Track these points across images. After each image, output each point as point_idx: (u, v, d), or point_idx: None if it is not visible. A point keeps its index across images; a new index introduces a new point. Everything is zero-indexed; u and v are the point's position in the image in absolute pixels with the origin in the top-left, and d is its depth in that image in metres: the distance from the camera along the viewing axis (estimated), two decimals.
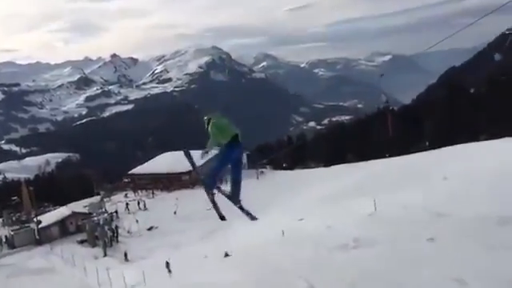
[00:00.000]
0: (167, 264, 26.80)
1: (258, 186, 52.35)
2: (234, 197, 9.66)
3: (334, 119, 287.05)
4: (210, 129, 8.69)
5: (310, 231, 27.88)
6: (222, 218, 9.50)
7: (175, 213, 46.61)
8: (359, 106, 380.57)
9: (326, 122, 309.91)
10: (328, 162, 77.27)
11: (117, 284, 26.99)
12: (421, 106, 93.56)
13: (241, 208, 9.43)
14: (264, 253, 26.18)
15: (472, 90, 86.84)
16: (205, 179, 9.65)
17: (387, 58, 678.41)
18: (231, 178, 9.63)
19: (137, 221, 43.57)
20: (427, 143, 63.41)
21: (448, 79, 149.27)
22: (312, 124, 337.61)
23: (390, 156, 60.25)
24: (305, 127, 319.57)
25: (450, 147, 47.73)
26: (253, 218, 9.76)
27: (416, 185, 29.71)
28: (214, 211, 10.27)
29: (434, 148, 53.78)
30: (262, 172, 64.02)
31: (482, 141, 52.34)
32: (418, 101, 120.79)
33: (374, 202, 28.28)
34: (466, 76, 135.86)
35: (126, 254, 35.00)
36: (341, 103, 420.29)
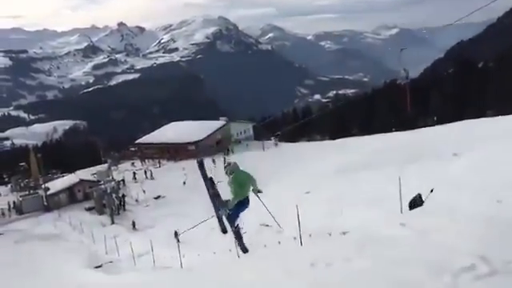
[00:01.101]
0: (176, 234, 26.96)
1: (264, 158, 52.42)
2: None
3: (339, 92, 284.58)
4: (231, 182, 9.48)
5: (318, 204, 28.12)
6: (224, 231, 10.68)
7: (184, 183, 46.77)
8: (365, 79, 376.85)
9: (331, 94, 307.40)
10: (333, 136, 77.14)
11: (124, 252, 27.29)
12: (428, 80, 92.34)
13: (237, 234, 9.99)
14: (271, 223, 26.47)
15: (480, 65, 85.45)
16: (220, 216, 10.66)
17: (394, 31, 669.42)
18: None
19: (144, 191, 43.79)
20: (435, 118, 62.70)
21: (456, 54, 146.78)
22: (317, 97, 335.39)
23: (397, 131, 59.81)
24: (310, 100, 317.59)
25: (458, 123, 47.27)
26: (244, 250, 10.31)
27: (425, 161, 29.57)
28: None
29: (441, 123, 53.20)
30: (277, 144, 63.58)
31: (489, 116, 51.88)
32: (425, 75, 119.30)
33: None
34: (475, 51, 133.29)
35: (133, 223, 35.34)
36: (346, 76, 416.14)
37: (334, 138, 69.65)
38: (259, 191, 9.11)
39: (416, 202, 13.93)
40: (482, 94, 70.32)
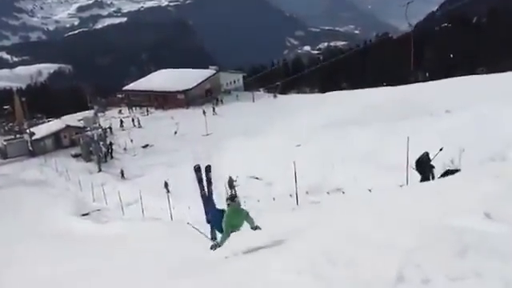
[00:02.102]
0: (166, 184, 26.72)
1: (254, 109, 51.87)
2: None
3: (330, 44, 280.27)
4: (225, 219, 8.37)
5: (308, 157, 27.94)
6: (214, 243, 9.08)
7: (175, 133, 46.17)
8: (356, 31, 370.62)
9: (321, 46, 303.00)
10: (322, 89, 76.27)
11: (112, 200, 27.08)
12: (420, 34, 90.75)
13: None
14: (261, 175, 26.34)
15: (474, 20, 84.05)
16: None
17: None
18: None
19: (131, 140, 43.13)
20: (427, 74, 62.11)
21: (449, 7, 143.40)
22: (307, 48, 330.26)
23: (388, 85, 59.27)
24: (299, 51, 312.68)
25: (450, 79, 46.87)
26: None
27: (418, 117, 29.32)
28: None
29: (433, 79, 52.74)
30: (276, 96, 62.25)
31: (479, 73, 51.51)
32: (417, 29, 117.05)
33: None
34: (469, 5, 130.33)
35: (122, 172, 34.82)
36: (337, 28, 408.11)
37: (323, 91, 68.88)
38: (257, 227, 8.47)
39: (423, 161, 13.46)
40: (474, 50, 69.58)
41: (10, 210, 26.95)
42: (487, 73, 49.59)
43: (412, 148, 21.74)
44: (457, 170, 13.32)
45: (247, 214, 8.58)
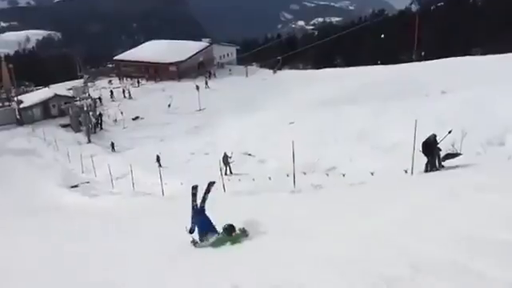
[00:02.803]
0: (158, 158, 26.30)
1: (247, 84, 51.27)
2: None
3: (326, 19, 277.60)
4: (215, 239, 8.52)
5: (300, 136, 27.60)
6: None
7: (169, 106, 45.44)
8: (350, 7, 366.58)
9: (315, 22, 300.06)
10: (316, 65, 75.45)
11: (101, 173, 26.65)
12: (415, 13, 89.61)
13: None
14: (253, 152, 25.99)
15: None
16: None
17: None
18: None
19: (121, 112, 42.37)
20: (422, 53, 61.60)
21: None
22: (301, 23, 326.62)
23: (383, 64, 58.73)
24: (293, 26, 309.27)
25: (446, 59, 46.43)
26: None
27: (413, 98, 29.03)
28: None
29: (427, 59, 52.29)
30: (276, 72, 60.73)
31: (474, 54, 51.16)
32: (414, 8, 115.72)
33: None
34: None
35: (112, 144, 34.12)
36: (332, 4, 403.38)
37: (317, 68, 68.16)
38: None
39: (431, 143, 13.10)
40: (470, 30, 69.05)
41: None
42: (482, 54, 49.24)
43: (408, 129, 21.74)
44: (458, 154, 13.10)
45: (236, 239, 8.42)
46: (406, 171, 11.84)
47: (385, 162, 16.03)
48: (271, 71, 60.84)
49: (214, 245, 8.51)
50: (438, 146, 13.27)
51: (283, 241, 6.36)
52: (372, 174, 11.42)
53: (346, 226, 6.39)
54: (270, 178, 14.17)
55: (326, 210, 7.78)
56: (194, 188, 9.80)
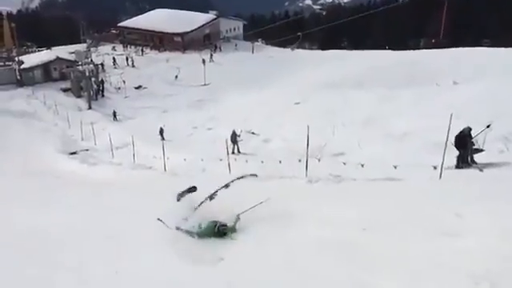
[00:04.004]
0: (161, 130, 25.70)
1: (253, 61, 50.47)
2: None
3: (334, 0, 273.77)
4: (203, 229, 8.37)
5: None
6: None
7: (176, 77, 44.62)
8: None
9: (322, 1, 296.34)
10: (323, 46, 74.30)
11: (101, 141, 26.09)
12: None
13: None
14: (257, 131, 25.43)
15: None
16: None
17: None
18: None
19: (124, 81, 41.60)
20: (433, 41, 60.65)
21: None
22: (308, 2, 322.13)
23: (390, 49, 57.83)
24: (300, 4, 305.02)
25: (457, 49, 45.59)
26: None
27: (423, 86, 28.46)
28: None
29: (439, 47, 51.34)
30: (293, 49, 59.23)
31: (483, 46, 50.26)
32: None
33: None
34: None
35: (114, 113, 33.34)
36: None
37: (323, 48, 67.12)
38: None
39: (465, 137, 12.45)
40: (481, 21, 67.92)
41: None
42: (491, 45, 48.35)
43: (419, 118, 21.27)
44: (480, 150, 12.60)
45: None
46: (435, 167, 10.89)
47: (397, 151, 15.57)
48: (289, 48, 59.86)
49: (200, 234, 8.39)
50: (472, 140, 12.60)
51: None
52: (395, 167, 10.76)
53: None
54: (280, 162, 13.61)
55: (363, 216, 7.03)
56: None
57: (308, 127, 12.00)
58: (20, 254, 7.16)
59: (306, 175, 11.48)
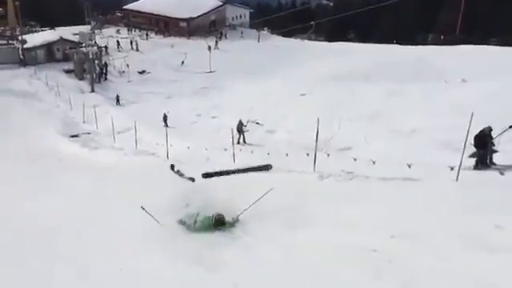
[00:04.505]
0: (165, 117, 25.30)
1: (258, 50, 49.99)
2: None
3: None
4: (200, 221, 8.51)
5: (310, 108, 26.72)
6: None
7: (182, 63, 44.11)
8: None
9: None
10: (329, 37, 73.53)
11: (103, 125, 25.78)
12: None
13: None
14: (262, 121, 25.09)
15: None
16: None
17: None
18: None
19: (127, 65, 41.11)
20: (442, 37, 59.94)
21: None
22: None
23: (398, 44, 57.17)
24: None
25: (466, 46, 45.08)
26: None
27: (431, 82, 28.07)
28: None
29: (448, 44, 50.72)
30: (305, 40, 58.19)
31: (491, 44, 49.61)
32: None
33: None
34: None
35: (118, 98, 32.87)
36: None
37: (329, 40, 66.41)
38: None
39: (485, 136, 12.02)
40: (489, 20, 67.04)
41: None
42: (498, 45, 47.75)
43: (427, 114, 20.91)
44: (495, 151, 12.25)
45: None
46: (452, 168, 10.39)
47: (405, 148, 15.22)
48: (300, 38, 59.02)
49: (200, 230, 8.39)
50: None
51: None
52: (409, 166, 10.30)
53: None
54: (287, 155, 13.25)
55: (385, 219, 6.59)
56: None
57: (318, 120, 11.57)
58: (19, 243, 6.90)
59: (315, 170, 11.11)
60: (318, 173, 10.52)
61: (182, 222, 8.68)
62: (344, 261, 5.55)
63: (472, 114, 9.92)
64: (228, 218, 8.41)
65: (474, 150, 11.81)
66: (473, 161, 12.47)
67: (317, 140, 11.83)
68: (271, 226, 6.78)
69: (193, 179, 12.01)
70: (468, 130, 10.40)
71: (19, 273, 6.10)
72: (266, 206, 7.09)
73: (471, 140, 11.87)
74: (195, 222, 8.62)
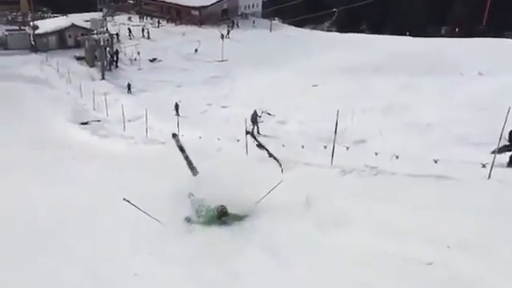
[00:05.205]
0: (176, 105, 25.01)
1: (270, 39, 49.49)
2: None
3: None
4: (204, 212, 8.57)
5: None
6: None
7: (196, 51, 43.79)
8: None
9: None
10: (341, 28, 72.77)
11: (113, 113, 25.62)
12: None
13: None
14: (273, 112, 24.75)
15: None
16: None
17: None
18: None
19: (138, 52, 40.89)
20: (456, 29, 58.96)
21: None
22: None
23: (411, 35, 56.33)
24: None
25: (481, 39, 44.24)
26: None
27: (446, 75, 27.57)
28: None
29: (463, 36, 49.81)
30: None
31: (507, 38, 48.58)
32: None
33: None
34: None
35: (129, 86, 32.44)
36: None
37: (341, 31, 65.64)
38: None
39: None
40: (505, 13, 65.79)
41: (10, 106, 25.61)
42: None
43: (443, 108, 20.50)
44: None
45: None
46: (483, 165, 9.58)
47: (422, 142, 14.84)
48: (320, 26, 58.04)
49: (205, 223, 8.32)
50: None
51: None
52: (436, 161, 9.71)
53: None
54: (302, 147, 12.88)
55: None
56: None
57: (338, 111, 11.20)
58: (25, 235, 6.72)
59: (332, 163, 10.77)
60: (340, 167, 10.09)
61: (187, 219, 8.60)
62: (392, 274, 4.73)
63: (509, 108, 9.32)
64: (236, 211, 8.29)
65: (497, 145, 11.16)
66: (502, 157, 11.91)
67: (336, 132, 11.44)
68: (297, 225, 6.28)
69: (194, 169, 11.83)
70: (504, 126, 9.76)
71: (22, 266, 5.92)
72: (285, 201, 6.72)
73: (505, 135, 11.29)
74: (199, 216, 8.59)
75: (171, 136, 12.33)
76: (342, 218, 6.09)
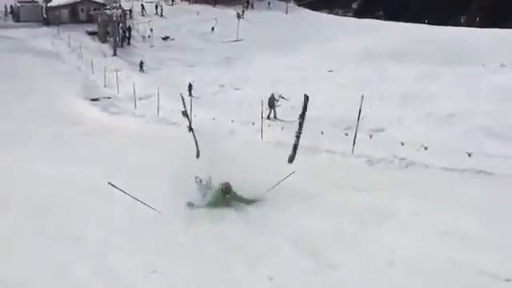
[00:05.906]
0: (190, 86, 24.42)
1: (286, 22, 48.55)
2: None
3: None
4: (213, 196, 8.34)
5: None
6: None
7: (213, 29, 43.09)
8: None
9: None
10: (357, 13, 71.53)
11: (124, 90, 25.16)
12: None
13: None
14: (287, 96, 24.15)
15: None
16: None
17: None
18: None
19: (151, 29, 40.29)
20: (477, 19, 57.51)
21: None
22: None
23: (430, 24, 55.06)
24: None
25: (503, 29, 42.91)
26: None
27: (467, 66, 26.70)
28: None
29: (484, 27, 48.46)
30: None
31: None
32: None
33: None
34: None
35: (141, 64, 31.76)
36: None
37: (357, 16, 64.43)
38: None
39: None
40: None
41: (21, 80, 25.36)
42: None
43: (465, 99, 19.81)
44: None
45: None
46: None
47: (445, 134, 14.21)
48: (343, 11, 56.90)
49: (210, 204, 8.16)
50: None
51: None
52: (469, 155, 9.00)
53: None
54: (322, 133, 12.30)
55: None
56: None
57: (362, 97, 10.65)
58: (29, 212, 6.31)
59: (353, 151, 10.23)
60: (364, 156, 9.51)
61: (189, 204, 8.27)
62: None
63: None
64: (245, 195, 8.08)
65: None
66: None
67: (358, 119, 10.88)
68: (331, 220, 5.62)
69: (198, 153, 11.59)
70: None
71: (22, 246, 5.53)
72: (309, 191, 6.16)
73: None
74: (205, 197, 8.48)
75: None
76: (382, 215, 5.37)
